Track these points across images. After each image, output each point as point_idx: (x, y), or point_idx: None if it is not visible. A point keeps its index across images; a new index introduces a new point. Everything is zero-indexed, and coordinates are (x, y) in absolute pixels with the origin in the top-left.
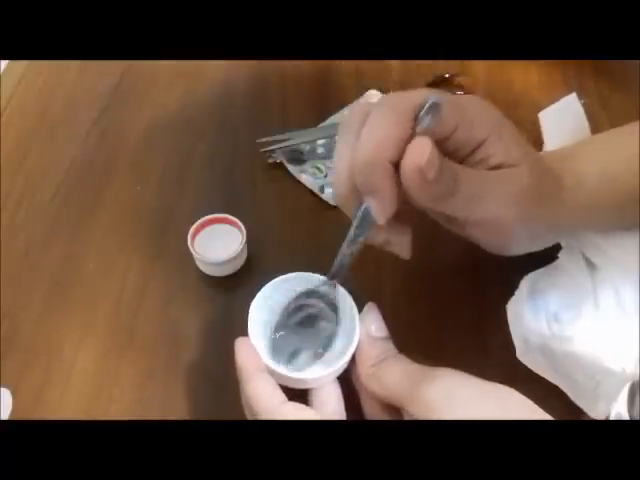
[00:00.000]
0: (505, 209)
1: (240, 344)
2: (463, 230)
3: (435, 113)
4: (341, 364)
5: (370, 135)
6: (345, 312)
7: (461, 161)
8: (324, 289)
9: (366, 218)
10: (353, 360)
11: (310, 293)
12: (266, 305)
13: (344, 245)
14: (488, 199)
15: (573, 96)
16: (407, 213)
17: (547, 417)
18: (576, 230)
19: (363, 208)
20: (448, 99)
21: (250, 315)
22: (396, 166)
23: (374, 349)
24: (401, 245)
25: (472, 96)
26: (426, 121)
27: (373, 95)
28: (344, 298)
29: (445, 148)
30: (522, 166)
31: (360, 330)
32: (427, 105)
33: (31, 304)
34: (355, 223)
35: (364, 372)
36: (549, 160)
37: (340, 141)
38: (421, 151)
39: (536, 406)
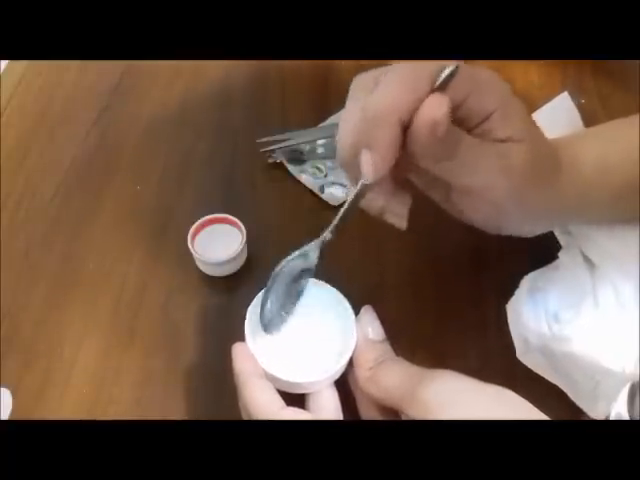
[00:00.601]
0: (496, 181)
1: (237, 349)
2: (457, 207)
3: (452, 79)
4: (338, 368)
5: (385, 91)
6: (342, 315)
7: (467, 132)
8: (311, 250)
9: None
10: (350, 363)
11: (298, 256)
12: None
13: (346, 207)
14: (481, 168)
15: (565, 95)
16: (408, 181)
17: (545, 419)
18: (571, 218)
19: None
20: (462, 66)
21: (247, 320)
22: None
23: (372, 352)
24: (399, 215)
25: (484, 68)
26: (443, 85)
27: None
28: (341, 302)
29: (454, 116)
30: (524, 143)
31: (357, 333)
32: (447, 70)
33: (31, 304)
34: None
35: (362, 375)
36: (552, 144)
37: (350, 99)
38: (439, 105)
39: (535, 409)
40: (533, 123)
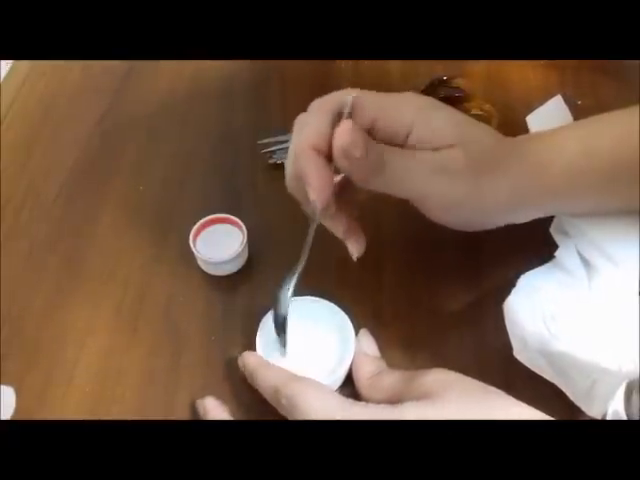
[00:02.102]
0: (433, 188)
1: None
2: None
3: (354, 107)
4: (337, 376)
5: (298, 131)
6: (341, 328)
7: (400, 147)
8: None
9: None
10: (349, 379)
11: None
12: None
13: (309, 237)
14: (414, 178)
15: (558, 98)
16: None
17: (524, 405)
18: (559, 204)
19: None
20: (367, 95)
21: (259, 331)
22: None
23: (371, 365)
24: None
25: (399, 93)
26: (345, 114)
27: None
28: (339, 315)
29: (378, 137)
30: (456, 147)
31: (356, 349)
32: (349, 99)
33: (34, 303)
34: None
35: (363, 385)
36: (516, 140)
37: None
38: (344, 133)
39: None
40: (466, 123)
